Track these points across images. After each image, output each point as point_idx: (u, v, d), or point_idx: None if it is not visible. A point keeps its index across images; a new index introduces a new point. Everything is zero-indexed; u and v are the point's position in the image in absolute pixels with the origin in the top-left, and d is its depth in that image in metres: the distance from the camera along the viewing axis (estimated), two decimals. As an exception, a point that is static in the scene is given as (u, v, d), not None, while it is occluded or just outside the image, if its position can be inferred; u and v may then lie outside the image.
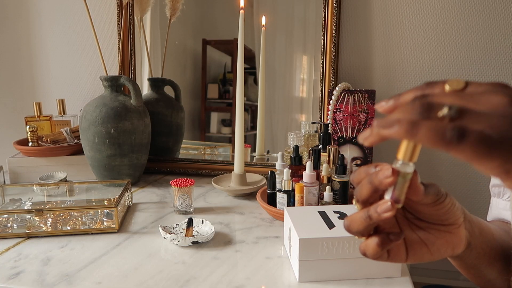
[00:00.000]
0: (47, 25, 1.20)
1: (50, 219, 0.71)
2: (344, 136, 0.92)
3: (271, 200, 0.78)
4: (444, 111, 0.25)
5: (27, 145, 1.00)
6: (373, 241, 0.32)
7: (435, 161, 1.04)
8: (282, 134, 1.10)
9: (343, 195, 0.75)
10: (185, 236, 0.65)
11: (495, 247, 0.43)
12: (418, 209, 0.35)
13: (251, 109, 1.21)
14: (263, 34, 1.03)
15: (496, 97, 0.25)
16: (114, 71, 1.14)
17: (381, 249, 0.32)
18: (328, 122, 0.91)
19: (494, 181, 0.54)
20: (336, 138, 0.92)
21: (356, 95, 0.92)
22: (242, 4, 0.85)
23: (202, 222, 0.71)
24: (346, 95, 0.92)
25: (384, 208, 0.30)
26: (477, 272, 0.43)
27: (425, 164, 1.04)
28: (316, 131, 1.00)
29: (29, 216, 0.72)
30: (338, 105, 0.92)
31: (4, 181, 0.98)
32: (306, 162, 0.74)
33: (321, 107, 1.00)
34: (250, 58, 1.10)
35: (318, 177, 0.76)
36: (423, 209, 0.34)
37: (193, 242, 0.63)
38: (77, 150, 1.01)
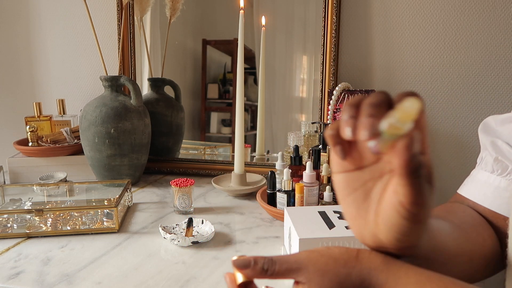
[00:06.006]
0: (47, 25, 1.20)
1: (50, 219, 0.71)
2: (344, 136, 0.92)
3: (271, 200, 0.78)
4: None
5: (27, 145, 1.00)
6: None
7: (436, 161, 1.04)
8: (282, 134, 1.10)
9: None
10: (185, 236, 0.65)
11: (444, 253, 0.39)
12: None
13: (251, 109, 1.21)
14: (263, 34, 1.03)
15: None
16: (114, 71, 1.14)
17: None
18: (328, 122, 0.91)
19: (497, 153, 0.45)
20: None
21: (356, 95, 0.92)
22: (242, 4, 0.85)
23: (202, 222, 0.71)
24: (346, 95, 0.92)
25: None
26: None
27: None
28: (316, 131, 1.00)
29: (29, 216, 0.72)
30: (338, 105, 0.92)
31: (4, 181, 0.98)
32: (306, 162, 0.74)
33: (321, 107, 1.00)
34: (250, 58, 1.10)
35: (318, 177, 0.76)
36: None
37: (193, 242, 0.63)
38: (77, 150, 1.01)
